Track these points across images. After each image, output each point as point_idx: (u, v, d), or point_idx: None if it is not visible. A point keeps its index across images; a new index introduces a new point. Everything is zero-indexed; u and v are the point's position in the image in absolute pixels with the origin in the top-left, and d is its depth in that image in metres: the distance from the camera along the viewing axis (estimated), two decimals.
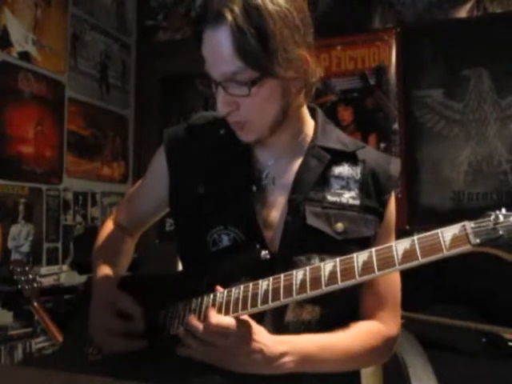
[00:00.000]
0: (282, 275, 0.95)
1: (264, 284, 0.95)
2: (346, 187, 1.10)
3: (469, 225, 0.85)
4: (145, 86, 3.49)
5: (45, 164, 2.73)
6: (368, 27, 2.97)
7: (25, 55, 2.63)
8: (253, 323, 0.96)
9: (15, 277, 2.27)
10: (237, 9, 0.96)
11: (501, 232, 0.82)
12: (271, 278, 0.95)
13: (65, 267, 2.82)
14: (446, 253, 0.84)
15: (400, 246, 0.88)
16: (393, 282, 1.15)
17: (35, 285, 2.28)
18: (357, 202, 1.09)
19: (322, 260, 1.01)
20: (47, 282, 2.67)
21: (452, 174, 2.74)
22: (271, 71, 0.99)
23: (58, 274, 2.77)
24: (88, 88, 3.08)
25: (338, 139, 1.16)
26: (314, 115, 1.18)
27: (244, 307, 0.95)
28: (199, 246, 1.11)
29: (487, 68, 2.69)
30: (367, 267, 0.89)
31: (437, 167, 2.77)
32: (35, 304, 2.21)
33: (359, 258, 0.90)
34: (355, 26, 2.98)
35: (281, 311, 1.02)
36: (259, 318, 0.99)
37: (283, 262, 1.03)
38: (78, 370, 1.08)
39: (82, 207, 3.00)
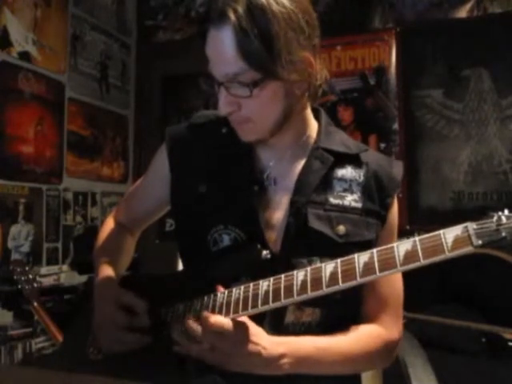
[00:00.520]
0: (282, 276, 0.95)
1: (264, 284, 0.95)
2: (349, 190, 1.10)
3: (471, 226, 0.84)
4: (145, 86, 3.48)
5: (45, 164, 2.73)
6: (368, 27, 2.96)
7: (25, 55, 2.63)
8: (251, 324, 0.96)
9: (15, 277, 2.27)
10: (240, 9, 0.95)
11: (503, 233, 0.82)
12: (272, 279, 0.95)
13: (65, 267, 2.82)
14: (447, 254, 0.84)
15: (402, 247, 0.87)
16: (395, 284, 1.15)
17: (35, 285, 2.28)
18: (359, 205, 1.09)
19: (322, 262, 1.01)
20: (47, 281, 2.67)
21: (452, 174, 2.73)
22: (274, 73, 0.98)
23: (58, 274, 2.77)
24: (88, 88, 3.08)
25: (342, 141, 1.16)
26: (317, 116, 1.18)
27: (244, 308, 0.95)
28: (200, 245, 1.11)
29: (487, 68, 2.69)
30: (368, 268, 0.88)
31: (437, 167, 2.77)
32: (35, 304, 2.21)
33: (360, 258, 0.90)
34: (355, 26, 2.97)
35: (281, 313, 1.02)
36: (260, 319, 0.99)
37: (284, 263, 1.03)
38: (78, 369, 1.08)
39: (81, 207, 2.99)
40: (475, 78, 2.71)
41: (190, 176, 1.15)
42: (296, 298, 0.92)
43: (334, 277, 0.90)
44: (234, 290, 0.98)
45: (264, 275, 0.97)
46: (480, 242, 0.83)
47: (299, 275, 0.93)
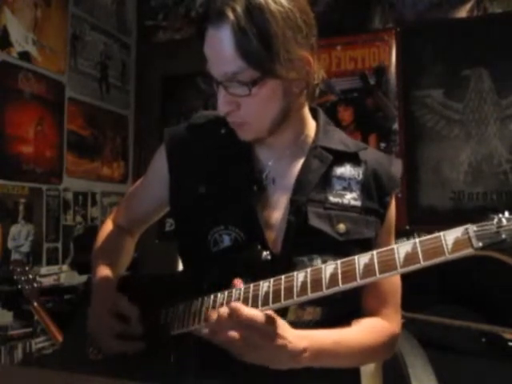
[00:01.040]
0: (282, 277, 0.95)
1: (265, 285, 0.95)
2: (348, 188, 1.10)
3: (471, 228, 0.84)
4: (145, 86, 3.48)
5: (45, 164, 2.73)
6: (368, 27, 2.96)
7: (25, 55, 2.63)
8: (278, 318, 0.95)
9: (15, 277, 2.27)
10: (239, 8, 0.96)
11: (503, 236, 0.82)
12: (272, 280, 0.95)
13: (65, 267, 2.82)
14: (448, 256, 0.84)
15: (402, 249, 0.87)
16: (394, 280, 1.15)
17: (35, 285, 2.28)
18: (358, 203, 1.10)
19: (323, 261, 1.01)
20: (47, 281, 2.67)
21: (452, 174, 2.74)
22: (272, 71, 0.99)
23: (58, 274, 2.77)
24: (88, 88, 3.08)
25: (340, 140, 1.16)
26: (315, 116, 1.18)
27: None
28: (200, 245, 1.11)
29: (487, 68, 2.69)
30: (368, 270, 0.88)
31: (437, 167, 2.77)
32: (35, 304, 2.21)
33: (360, 260, 0.90)
34: (355, 26, 2.97)
35: (282, 312, 1.02)
36: None
37: (284, 262, 1.03)
38: (78, 369, 1.08)
39: (82, 207, 2.99)
40: (475, 78, 2.71)
41: (190, 177, 1.15)
42: (296, 299, 0.92)
43: (333, 278, 0.90)
44: (234, 290, 0.98)
45: (264, 276, 0.97)
46: (480, 244, 0.83)
47: (299, 276, 0.93)
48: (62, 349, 1.46)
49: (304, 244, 1.05)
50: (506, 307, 2.22)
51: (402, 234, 1.22)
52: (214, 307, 0.99)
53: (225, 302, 0.97)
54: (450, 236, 0.85)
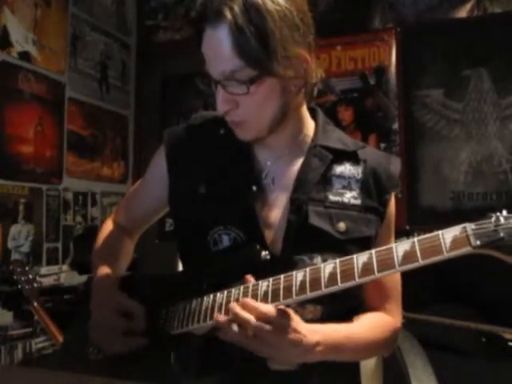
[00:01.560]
0: (281, 276, 0.95)
1: (264, 285, 0.95)
2: (348, 187, 1.11)
3: (469, 226, 0.85)
4: (145, 86, 3.48)
5: (45, 164, 2.73)
6: (368, 27, 2.96)
7: (25, 55, 2.63)
8: (291, 312, 0.95)
9: (15, 277, 2.27)
10: (236, 7, 0.97)
11: (501, 234, 0.82)
12: (271, 279, 0.95)
13: (65, 267, 2.82)
14: (446, 255, 0.84)
15: (400, 248, 0.88)
16: (395, 276, 1.16)
17: (35, 285, 2.27)
18: (358, 202, 1.10)
19: (324, 259, 1.02)
20: (47, 281, 2.67)
21: (452, 174, 2.73)
22: (270, 69, 0.99)
23: (58, 274, 2.77)
24: (88, 88, 3.08)
25: (339, 139, 1.17)
26: (314, 116, 1.18)
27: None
28: (200, 246, 1.11)
29: (487, 68, 2.69)
30: (367, 269, 0.89)
31: (437, 167, 2.77)
32: (35, 304, 2.21)
33: (359, 259, 0.90)
34: (355, 25, 2.97)
35: None
36: None
37: (284, 261, 1.03)
38: (78, 369, 1.08)
39: (81, 207, 2.99)
40: (475, 78, 2.71)
41: (189, 177, 1.16)
42: (295, 299, 0.92)
43: (332, 277, 0.90)
44: (233, 290, 0.98)
45: (263, 276, 0.97)
46: (478, 242, 0.83)
47: (298, 276, 0.93)
48: (62, 349, 1.46)
49: (304, 243, 1.05)
50: (506, 307, 2.22)
51: (401, 233, 1.23)
52: (213, 307, 0.99)
53: (224, 302, 0.98)
54: (448, 234, 0.85)
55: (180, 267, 1.24)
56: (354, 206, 1.09)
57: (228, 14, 0.96)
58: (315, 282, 0.91)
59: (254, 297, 0.95)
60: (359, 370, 1.20)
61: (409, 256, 0.86)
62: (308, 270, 0.93)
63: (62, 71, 2.88)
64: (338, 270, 0.91)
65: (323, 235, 1.06)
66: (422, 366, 1.66)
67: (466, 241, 0.84)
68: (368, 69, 2.94)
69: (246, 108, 1.04)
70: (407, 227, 2.70)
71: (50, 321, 2.16)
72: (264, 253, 1.02)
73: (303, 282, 0.92)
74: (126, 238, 1.33)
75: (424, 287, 2.19)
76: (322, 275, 0.91)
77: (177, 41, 3.38)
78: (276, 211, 1.10)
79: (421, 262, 0.85)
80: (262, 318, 0.91)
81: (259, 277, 0.97)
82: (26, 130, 2.63)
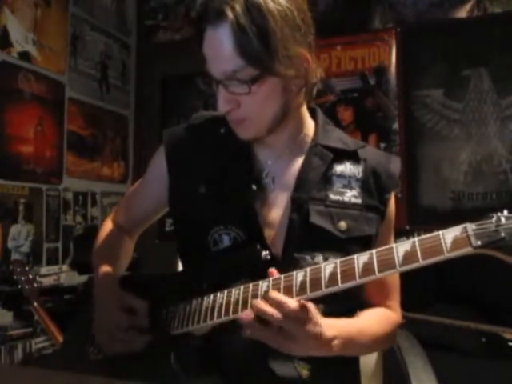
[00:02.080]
0: (282, 276, 0.95)
1: (264, 285, 0.95)
2: (348, 186, 1.11)
3: (470, 227, 0.85)
4: (145, 86, 3.49)
5: (45, 164, 2.73)
6: (368, 27, 2.96)
7: (25, 55, 2.63)
8: (312, 306, 0.94)
9: (15, 277, 2.27)
10: (238, 7, 0.97)
11: (502, 234, 0.82)
12: (271, 279, 0.95)
13: (65, 267, 2.82)
14: (446, 255, 0.84)
15: (401, 248, 0.88)
16: (395, 274, 1.16)
17: (35, 285, 2.28)
18: (359, 201, 1.10)
19: (325, 258, 1.03)
20: (47, 281, 2.67)
21: (452, 174, 2.73)
22: (271, 69, 0.99)
23: (58, 274, 2.77)
24: (88, 88, 3.08)
25: (339, 138, 1.17)
26: (313, 115, 1.19)
27: (244, 308, 0.95)
28: (200, 246, 1.11)
29: (487, 68, 2.69)
30: (367, 269, 0.89)
31: (437, 167, 2.77)
32: (35, 304, 2.21)
33: (360, 259, 0.90)
34: (355, 25, 2.97)
35: None
36: None
37: (285, 261, 1.03)
38: (78, 369, 1.08)
39: (82, 207, 3.00)
40: (475, 78, 2.71)
41: (189, 177, 1.16)
42: (295, 299, 0.92)
43: (333, 277, 0.90)
44: (233, 290, 0.98)
45: (264, 275, 0.97)
46: (479, 242, 0.83)
47: (298, 276, 0.93)
48: (62, 349, 1.45)
49: (305, 242, 1.05)
50: (506, 307, 2.22)
51: (401, 233, 1.23)
52: (213, 307, 0.99)
53: (224, 302, 0.98)
54: (448, 235, 0.85)
55: (180, 267, 1.24)
56: (354, 204, 1.10)
57: (230, 14, 0.96)
58: (315, 282, 0.91)
59: (255, 297, 0.95)
60: (359, 370, 1.20)
61: (409, 256, 0.86)
62: (308, 270, 0.93)
63: (62, 71, 2.88)
64: (339, 270, 0.91)
65: (324, 234, 1.06)
66: (421, 365, 1.65)
67: (466, 241, 0.84)
68: (368, 69, 2.94)
69: (248, 108, 1.04)
70: (407, 227, 2.70)
71: (50, 321, 2.16)
72: (264, 252, 1.02)
73: (303, 282, 0.92)
74: (126, 237, 1.33)
75: (424, 287, 2.19)
76: (323, 275, 0.91)
77: (177, 41, 3.38)
78: (276, 211, 1.10)
79: (421, 262, 0.85)
80: (286, 312, 0.90)
81: (260, 277, 0.97)
82: (26, 130, 2.63)
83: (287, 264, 1.00)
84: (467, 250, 0.84)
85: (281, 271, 0.96)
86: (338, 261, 0.92)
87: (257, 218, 1.07)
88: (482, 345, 2.06)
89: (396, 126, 2.87)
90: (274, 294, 0.91)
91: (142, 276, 1.31)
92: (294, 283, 0.93)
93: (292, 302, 0.90)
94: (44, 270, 2.69)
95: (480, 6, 2.74)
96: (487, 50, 2.68)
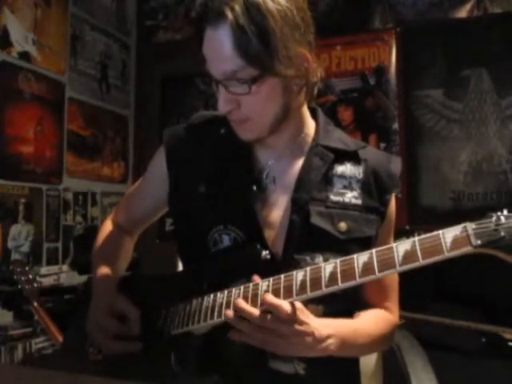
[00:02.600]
0: (282, 276, 0.95)
1: (264, 285, 0.95)
2: (349, 187, 1.11)
3: (470, 226, 0.85)
4: (145, 86, 3.48)
5: (45, 164, 2.73)
6: (368, 27, 2.97)
7: (25, 55, 2.63)
8: (301, 306, 0.95)
9: (15, 277, 2.27)
10: (237, 7, 0.96)
11: (502, 233, 0.82)
12: (271, 279, 0.96)
13: (65, 267, 2.82)
14: (446, 254, 0.84)
15: (401, 248, 0.88)
16: (394, 275, 1.16)
17: (35, 285, 2.27)
18: (359, 202, 1.10)
19: (325, 259, 1.02)
20: (47, 281, 2.67)
21: (452, 174, 2.73)
22: (271, 69, 0.99)
23: (58, 274, 2.77)
24: (88, 88, 3.08)
25: (340, 139, 1.17)
26: (314, 116, 1.18)
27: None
28: (200, 246, 1.11)
29: (487, 68, 2.69)
30: (367, 268, 0.89)
31: (437, 167, 2.77)
32: (35, 304, 2.21)
33: (359, 259, 0.90)
34: (355, 26, 2.97)
35: None
36: None
37: (285, 261, 1.03)
38: (78, 369, 1.08)
39: (82, 207, 2.99)
40: (475, 77, 2.71)
41: (189, 177, 1.16)
42: (295, 298, 0.92)
43: (333, 277, 0.91)
44: (233, 290, 0.98)
45: (264, 276, 0.97)
46: (479, 241, 0.83)
47: (299, 275, 0.94)
48: (62, 349, 1.45)
49: (306, 243, 1.05)
50: (506, 307, 2.22)
51: (401, 233, 1.23)
52: (213, 307, 0.99)
53: (224, 302, 0.98)
54: (448, 234, 0.85)
55: (180, 267, 1.24)
56: (354, 205, 1.10)
57: (229, 14, 0.96)
58: (316, 282, 0.91)
59: (255, 297, 0.95)
60: (359, 370, 1.20)
61: (409, 256, 0.87)
62: (308, 269, 0.93)
63: (62, 71, 2.88)
64: (339, 270, 0.91)
65: (324, 235, 1.06)
66: (421, 366, 1.65)
67: (466, 240, 0.84)
68: (368, 69, 2.94)
69: (248, 107, 1.04)
70: (407, 227, 2.70)
71: (50, 321, 2.15)
72: (264, 252, 1.02)
73: (304, 282, 0.92)
74: (126, 237, 1.33)
75: (424, 287, 2.19)
76: (323, 275, 0.91)
77: (177, 41, 3.38)
78: (277, 211, 1.10)
79: (421, 262, 0.85)
80: (277, 312, 0.91)
81: (260, 276, 0.97)
82: (26, 130, 2.63)
83: (287, 264, 1.00)
84: (467, 249, 0.84)
85: (281, 271, 0.96)
86: (338, 260, 0.92)
87: (257, 219, 1.07)
88: (482, 345, 2.06)
89: (396, 126, 2.87)
90: (269, 297, 0.92)
91: (141, 276, 1.31)
92: (294, 283, 0.93)
93: (282, 302, 0.91)
94: (44, 269, 2.69)
95: (480, 6, 2.74)
96: (487, 50, 2.68)
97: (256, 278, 0.98)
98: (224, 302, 0.98)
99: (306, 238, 1.06)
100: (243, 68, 0.99)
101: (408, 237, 0.90)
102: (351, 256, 0.92)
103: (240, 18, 0.96)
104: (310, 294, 0.91)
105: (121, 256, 1.29)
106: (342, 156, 1.13)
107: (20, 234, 2.56)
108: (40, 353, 2.58)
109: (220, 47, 0.99)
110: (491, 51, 2.67)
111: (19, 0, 2.60)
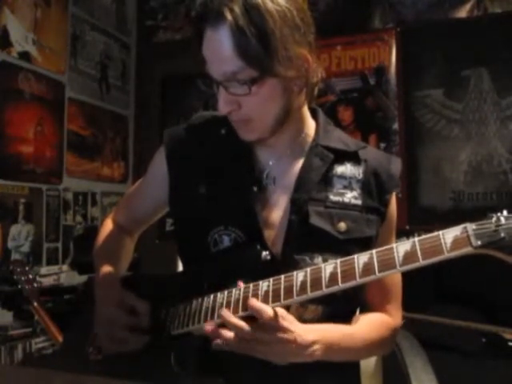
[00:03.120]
0: (282, 276, 0.95)
1: (264, 285, 0.95)
2: (349, 187, 1.11)
3: (470, 227, 0.85)
4: (145, 86, 3.49)
5: (45, 164, 2.73)
6: (368, 27, 2.97)
7: (25, 55, 2.63)
8: (283, 311, 0.95)
9: (15, 277, 2.27)
10: (237, 8, 0.96)
11: (502, 234, 0.82)
12: (272, 279, 0.96)
13: (65, 267, 2.82)
14: (447, 255, 0.84)
15: (401, 248, 0.88)
16: (396, 276, 1.17)
17: (35, 285, 2.27)
18: (359, 202, 1.10)
19: (324, 260, 1.02)
20: (47, 281, 2.67)
21: (452, 174, 2.74)
22: (271, 70, 0.99)
23: (58, 274, 2.77)
24: (88, 88, 3.08)
25: (340, 139, 1.17)
26: (314, 116, 1.18)
27: (244, 308, 0.95)
28: (200, 246, 1.11)
29: (487, 68, 2.69)
30: (368, 269, 0.89)
31: (437, 167, 2.77)
32: (35, 304, 2.21)
33: (360, 259, 0.90)
34: (355, 25, 2.97)
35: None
36: None
37: (285, 262, 1.03)
38: (78, 369, 1.08)
39: (82, 207, 2.99)
40: (475, 77, 2.71)
41: (189, 177, 1.16)
42: (296, 299, 0.93)
43: (333, 277, 0.91)
44: (233, 290, 0.98)
45: (264, 276, 0.97)
46: (479, 242, 0.83)
47: (299, 276, 0.94)
48: (62, 349, 1.46)
49: (305, 243, 1.05)
50: (506, 307, 2.22)
51: (402, 233, 1.23)
52: (213, 307, 0.99)
53: (225, 302, 0.98)
54: (448, 235, 0.85)
55: (180, 267, 1.24)
56: (354, 206, 1.10)
57: (228, 15, 0.96)
58: (316, 282, 0.91)
59: (255, 297, 0.95)
60: (359, 370, 1.20)
61: (409, 256, 0.87)
62: (309, 270, 0.93)
63: (62, 71, 2.88)
64: (339, 270, 0.91)
65: (324, 235, 1.06)
66: (421, 366, 1.65)
67: (466, 241, 0.84)
68: (368, 69, 2.94)
69: (249, 108, 1.04)
70: (407, 227, 2.70)
71: (50, 321, 2.15)
72: (264, 253, 1.02)
73: (304, 282, 0.92)
74: (127, 237, 1.33)
75: (424, 287, 2.19)
76: (323, 275, 0.91)
77: (177, 41, 3.38)
78: (277, 211, 1.10)
79: (421, 262, 0.85)
80: (260, 319, 0.91)
81: (260, 277, 0.97)
82: (26, 130, 2.63)
83: (287, 265, 1.00)
84: (467, 249, 0.84)
85: (280, 272, 0.96)
86: (339, 261, 0.92)
87: (257, 219, 1.07)
88: (482, 345, 2.06)
89: (396, 126, 2.87)
90: (253, 301, 0.93)
91: (142, 276, 1.31)
92: (294, 283, 0.93)
93: (266, 309, 0.91)
94: (44, 270, 2.69)
95: (480, 6, 2.74)
96: (487, 50, 2.68)
97: (240, 284, 0.98)
98: (224, 303, 0.98)
99: (306, 239, 1.06)
100: (243, 69, 0.99)
101: (408, 237, 0.90)
102: (351, 256, 0.92)
103: (239, 19, 0.96)
104: (310, 295, 0.91)
105: (122, 256, 1.29)
106: (342, 156, 1.13)
107: (20, 234, 2.56)
108: (40, 353, 2.58)
109: (220, 48, 0.99)
110: (491, 51, 2.67)
111: (19, 0, 2.60)
